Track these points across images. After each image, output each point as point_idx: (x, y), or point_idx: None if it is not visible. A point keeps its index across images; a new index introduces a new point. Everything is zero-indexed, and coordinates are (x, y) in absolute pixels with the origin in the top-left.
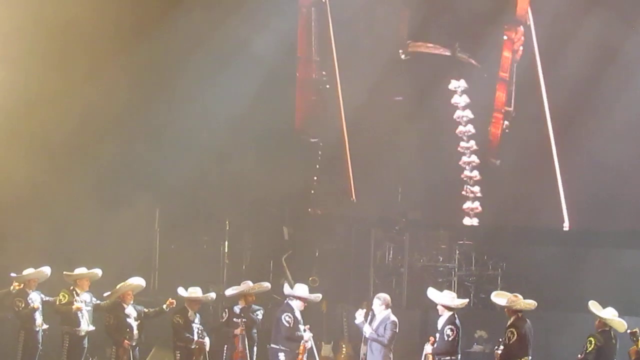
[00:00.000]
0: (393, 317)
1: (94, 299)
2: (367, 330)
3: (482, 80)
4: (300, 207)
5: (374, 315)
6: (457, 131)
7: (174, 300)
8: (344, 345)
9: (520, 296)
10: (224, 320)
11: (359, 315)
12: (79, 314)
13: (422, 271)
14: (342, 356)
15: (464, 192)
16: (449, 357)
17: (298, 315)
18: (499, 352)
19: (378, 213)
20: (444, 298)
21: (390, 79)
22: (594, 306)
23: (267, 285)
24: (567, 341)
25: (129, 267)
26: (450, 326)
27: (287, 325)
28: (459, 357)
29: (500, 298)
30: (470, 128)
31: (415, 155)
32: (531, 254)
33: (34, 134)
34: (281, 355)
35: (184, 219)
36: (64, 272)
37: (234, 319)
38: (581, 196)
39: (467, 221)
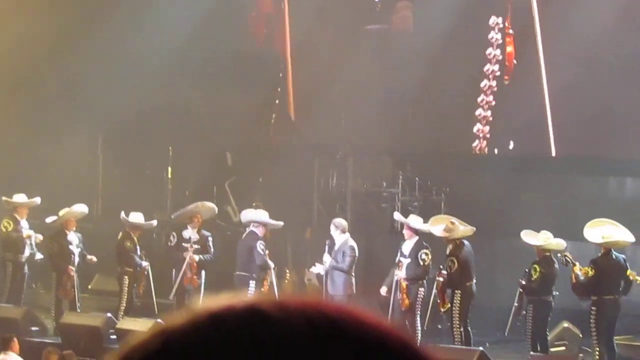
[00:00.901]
0: (351, 242)
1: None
2: (327, 260)
3: None
4: (244, 133)
5: (332, 243)
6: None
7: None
8: (287, 272)
9: (457, 222)
10: (172, 244)
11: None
12: (26, 242)
13: (365, 197)
14: (286, 282)
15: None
16: (420, 282)
17: None
18: (441, 279)
19: (322, 139)
20: (416, 222)
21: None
22: (526, 236)
23: (211, 205)
24: (510, 266)
25: (71, 193)
26: (425, 250)
27: (262, 253)
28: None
29: (437, 226)
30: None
31: (360, 82)
32: (475, 179)
33: None
34: (252, 283)
35: (127, 145)
36: (3, 199)
37: (183, 244)
38: (524, 122)
39: (411, 147)
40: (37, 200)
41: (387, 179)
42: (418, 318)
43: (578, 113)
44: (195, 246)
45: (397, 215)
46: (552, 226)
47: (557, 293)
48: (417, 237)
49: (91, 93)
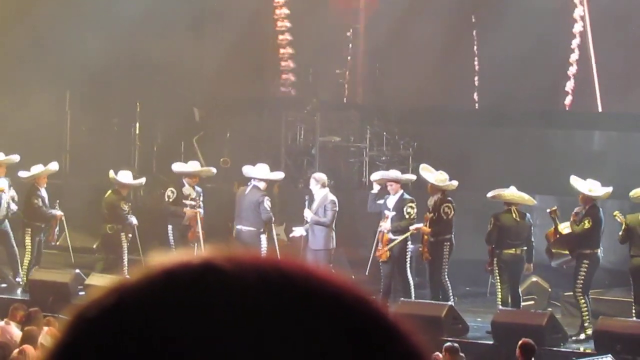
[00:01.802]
0: (332, 197)
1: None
2: (308, 215)
3: None
4: (211, 88)
5: (312, 197)
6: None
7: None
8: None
9: (446, 174)
10: (170, 200)
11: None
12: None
13: (333, 152)
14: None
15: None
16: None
17: None
18: (426, 227)
19: (289, 94)
20: (392, 174)
21: None
22: (493, 192)
23: (214, 170)
24: (477, 219)
25: (39, 149)
26: (410, 204)
27: (268, 209)
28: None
29: (427, 173)
30: None
31: (327, 36)
32: (442, 133)
33: None
34: (263, 238)
35: (94, 101)
36: None
37: (183, 200)
38: (491, 77)
39: (377, 101)
40: (15, 157)
41: (354, 133)
42: (408, 270)
43: (545, 67)
44: (194, 202)
45: (379, 174)
46: (520, 180)
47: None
48: (401, 191)
49: (58, 49)
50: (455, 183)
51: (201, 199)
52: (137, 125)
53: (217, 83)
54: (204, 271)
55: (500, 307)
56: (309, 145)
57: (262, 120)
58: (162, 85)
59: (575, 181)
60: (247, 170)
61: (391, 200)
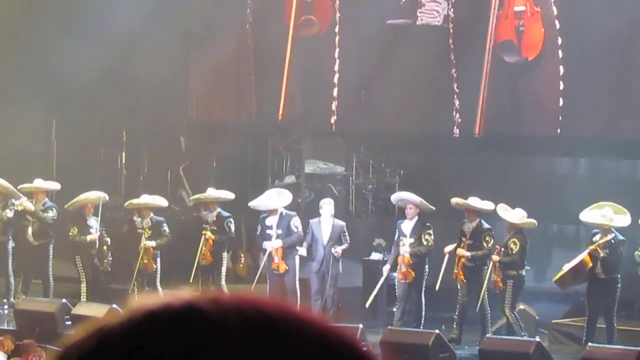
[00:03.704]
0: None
1: None
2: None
3: None
4: (197, 117)
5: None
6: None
7: None
8: (242, 255)
9: (524, 211)
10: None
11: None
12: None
13: (319, 179)
14: (241, 266)
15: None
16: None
17: None
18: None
19: (275, 122)
20: (417, 198)
21: None
22: (502, 209)
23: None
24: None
25: (26, 179)
26: (428, 230)
27: (296, 230)
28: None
29: (504, 212)
30: None
31: (313, 64)
32: (429, 161)
33: None
34: (297, 258)
35: (80, 130)
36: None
37: (137, 230)
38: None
39: (364, 129)
40: (56, 185)
41: (340, 161)
42: (423, 295)
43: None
44: (149, 232)
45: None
46: (508, 205)
47: (529, 268)
48: (417, 217)
49: (45, 76)
50: (534, 221)
51: (163, 227)
52: (124, 154)
53: (203, 112)
54: (186, 313)
55: (488, 335)
56: (295, 173)
57: (248, 148)
58: (148, 114)
59: (503, 211)
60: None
61: (407, 225)
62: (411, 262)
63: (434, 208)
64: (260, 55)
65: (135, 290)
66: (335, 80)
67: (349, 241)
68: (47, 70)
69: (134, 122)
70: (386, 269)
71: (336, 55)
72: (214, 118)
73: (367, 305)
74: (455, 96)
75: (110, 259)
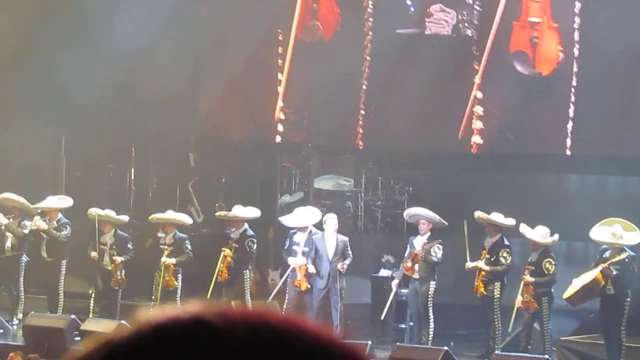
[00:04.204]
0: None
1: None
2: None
3: None
4: (206, 133)
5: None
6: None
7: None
8: (251, 272)
9: (547, 229)
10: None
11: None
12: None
13: (328, 196)
14: (250, 283)
15: (363, 115)
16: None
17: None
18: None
19: (283, 138)
20: (430, 213)
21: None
22: (524, 228)
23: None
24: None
25: (35, 195)
26: (438, 245)
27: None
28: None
29: (527, 230)
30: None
31: (322, 79)
32: (437, 177)
33: None
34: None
35: (89, 146)
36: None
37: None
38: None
39: (373, 145)
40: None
41: (349, 178)
42: (431, 311)
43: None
44: (170, 249)
45: (419, 210)
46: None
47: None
48: (429, 232)
49: (55, 94)
50: (556, 238)
51: (185, 244)
52: (133, 170)
53: (212, 128)
54: (194, 326)
55: (497, 352)
56: (304, 189)
57: (257, 165)
58: (157, 130)
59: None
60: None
61: (419, 240)
62: (420, 279)
63: (446, 223)
64: (269, 71)
65: (156, 306)
66: (344, 97)
67: (351, 256)
68: (56, 86)
69: (143, 138)
70: (395, 284)
71: (344, 68)
72: (222, 134)
73: (382, 317)
74: (474, 109)
75: (122, 277)
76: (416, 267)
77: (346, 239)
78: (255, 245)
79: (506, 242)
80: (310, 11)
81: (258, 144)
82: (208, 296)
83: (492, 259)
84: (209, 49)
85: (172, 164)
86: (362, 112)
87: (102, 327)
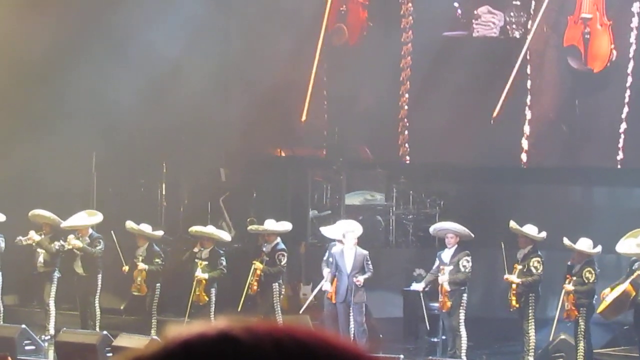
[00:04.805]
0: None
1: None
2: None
3: None
4: (237, 148)
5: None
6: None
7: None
8: (283, 286)
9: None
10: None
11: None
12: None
13: (360, 210)
14: (282, 297)
15: (399, 131)
16: (463, 288)
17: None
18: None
19: (315, 153)
20: (457, 226)
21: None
22: (567, 240)
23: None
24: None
25: (66, 211)
26: (466, 257)
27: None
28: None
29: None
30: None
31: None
32: (469, 192)
33: None
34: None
35: (120, 162)
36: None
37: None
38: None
39: (404, 159)
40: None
41: (381, 192)
42: (463, 324)
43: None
44: (204, 263)
45: (512, 223)
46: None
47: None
48: (457, 245)
49: (86, 111)
50: (599, 249)
51: (220, 260)
52: (164, 185)
53: (242, 143)
54: (221, 342)
55: None
56: (335, 204)
57: (288, 179)
58: (188, 145)
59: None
60: (333, 232)
61: (447, 254)
62: (449, 291)
63: (473, 235)
64: (299, 86)
65: (188, 321)
66: (375, 111)
67: (371, 270)
68: (87, 102)
69: (174, 154)
70: (420, 286)
71: (375, 76)
72: (253, 149)
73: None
74: (525, 121)
75: (141, 283)
76: (449, 298)
77: (366, 252)
78: (285, 259)
79: (538, 252)
80: (338, 14)
81: (289, 158)
82: (239, 309)
83: (524, 270)
84: (239, 62)
85: (203, 179)
86: (403, 124)
87: (134, 342)
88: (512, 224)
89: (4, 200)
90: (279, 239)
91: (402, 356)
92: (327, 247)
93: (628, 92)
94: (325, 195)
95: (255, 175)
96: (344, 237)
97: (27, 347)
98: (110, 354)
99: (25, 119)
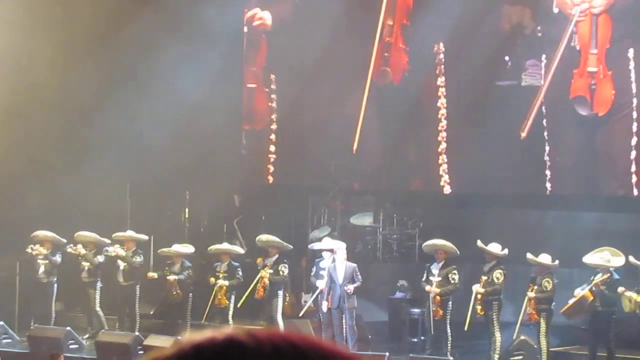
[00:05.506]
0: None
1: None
2: (353, 286)
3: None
4: (249, 177)
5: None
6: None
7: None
8: (287, 295)
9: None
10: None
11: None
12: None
13: (352, 231)
14: (286, 304)
15: (387, 161)
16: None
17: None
18: (536, 296)
19: (314, 182)
20: (448, 244)
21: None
22: (530, 255)
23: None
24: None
25: (106, 230)
26: (454, 270)
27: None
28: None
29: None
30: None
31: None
32: (442, 215)
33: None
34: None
35: (150, 190)
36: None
37: (216, 272)
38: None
39: (390, 188)
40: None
41: (370, 215)
42: (449, 326)
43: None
44: (224, 274)
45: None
46: (518, 256)
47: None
48: (444, 260)
49: (120, 147)
50: (557, 262)
51: (237, 271)
52: (187, 210)
53: (253, 173)
54: (227, 345)
55: None
56: (332, 225)
57: (291, 205)
58: (207, 176)
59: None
60: (321, 245)
61: (436, 267)
62: (441, 300)
63: (459, 252)
64: (301, 127)
65: (208, 324)
66: (367, 145)
67: (360, 279)
68: (122, 139)
69: (196, 183)
70: (428, 288)
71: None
72: (263, 179)
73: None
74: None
75: (177, 292)
76: (440, 307)
77: (354, 265)
78: (287, 270)
79: (501, 266)
80: (382, 58)
81: (292, 186)
82: (239, 306)
83: (488, 280)
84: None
85: (220, 204)
86: (381, 158)
87: (161, 342)
88: (479, 243)
89: (54, 223)
90: (278, 254)
91: (387, 354)
92: (314, 263)
93: (635, 126)
94: (323, 218)
95: (264, 201)
96: (336, 253)
97: (71, 346)
98: (142, 352)
99: (68, 153)
